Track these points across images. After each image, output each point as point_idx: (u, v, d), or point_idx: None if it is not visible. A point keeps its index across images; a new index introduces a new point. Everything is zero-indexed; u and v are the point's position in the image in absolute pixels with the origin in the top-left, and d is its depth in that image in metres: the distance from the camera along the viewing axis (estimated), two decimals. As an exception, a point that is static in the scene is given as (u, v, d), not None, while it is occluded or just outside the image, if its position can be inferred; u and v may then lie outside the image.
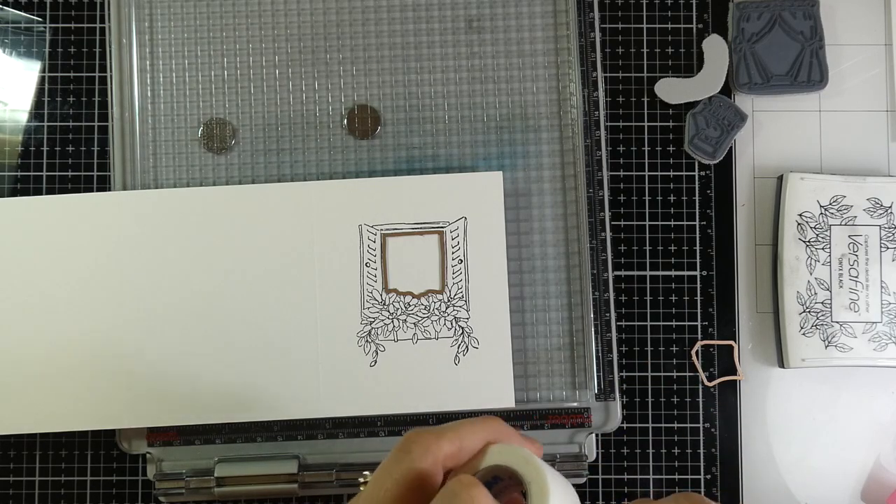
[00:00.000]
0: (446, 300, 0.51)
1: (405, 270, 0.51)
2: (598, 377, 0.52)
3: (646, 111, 0.54)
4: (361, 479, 0.49)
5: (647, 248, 0.54)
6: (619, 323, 0.53)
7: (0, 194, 0.53)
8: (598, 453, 0.53)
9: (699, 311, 0.53)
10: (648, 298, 0.53)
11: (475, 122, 0.53)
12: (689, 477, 0.52)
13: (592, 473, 0.52)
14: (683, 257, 0.54)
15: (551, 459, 0.51)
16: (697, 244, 0.54)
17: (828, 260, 0.52)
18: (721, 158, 0.54)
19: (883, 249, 0.52)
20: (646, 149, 0.54)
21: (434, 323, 0.51)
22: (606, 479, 0.53)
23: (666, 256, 0.54)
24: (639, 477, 0.52)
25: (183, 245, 0.51)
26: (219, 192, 0.52)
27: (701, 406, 0.53)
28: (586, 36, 0.53)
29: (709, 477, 0.53)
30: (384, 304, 0.51)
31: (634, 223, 0.54)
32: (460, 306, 0.51)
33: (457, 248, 0.51)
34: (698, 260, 0.54)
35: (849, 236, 0.52)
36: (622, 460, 0.52)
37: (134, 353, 0.50)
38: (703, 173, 0.54)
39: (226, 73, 0.53)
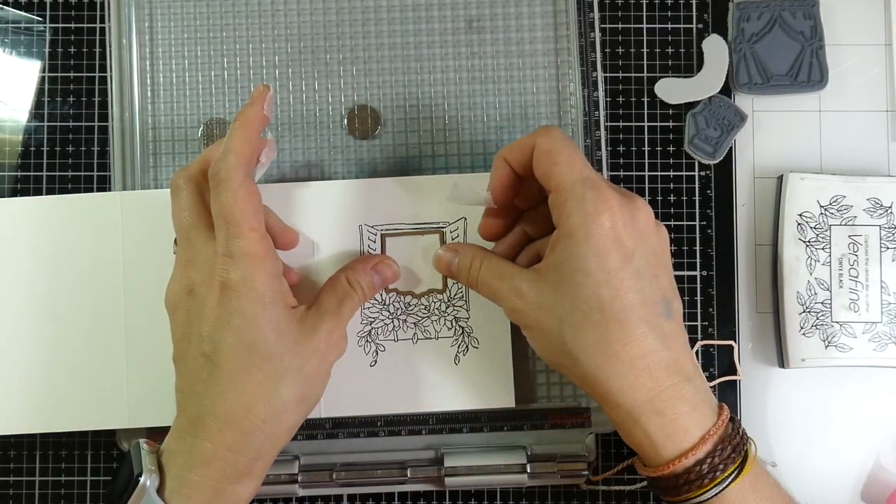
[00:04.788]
0: (446, 300, 0.51)
1: (405, 270, 0.51)
2: (598, 377, 0.52)
3: (646, 111, 0.54)
4: None
5: (647, 248, 0.54)
6: (619, 323, 0.53)
7: (0, 194, 0.53)
8: (598, 453, 0.52)
9: (699, 311, 0.53)
10: (648, 298, 0.53)
11: (475, 122, 0.53)
12: (689, 477, 0.52)
13: (592, 473, 0.52)
14: (683, 257, 0.54)
15: (551, 458, 0.51)
16: (697, 244, 0.54)
17: (828, 260, 0.52)
18: (721, 158, 0.54)
19: (883, 249, 0.52)
20: (646, 149, 0.54)
21: (434, 323, 0.51)
22: (606, 479, 0.53)
23: (666, 256, 0.54)
24: (639, 476, 0.52)
25: (183, 245, 0.51)
26: (219, 192, 0.52)
27: (701, 406, 0.53)
28: (586, 36, 0.53)
29: (709, 477, 0.52)
30: (384, 304, 0.51)
31: (634, 223, 0.54)
32: (460, 306, 0.51)
33: (457, 248, 0.51)
34: (698, 260, 0.54)
35: (849, 236, 0.52)
36: (622, 460, 0.52)
37: (134, 353, 0.50)
38: (703, 173, 0.54)
39: (226, 73, 0.53)
